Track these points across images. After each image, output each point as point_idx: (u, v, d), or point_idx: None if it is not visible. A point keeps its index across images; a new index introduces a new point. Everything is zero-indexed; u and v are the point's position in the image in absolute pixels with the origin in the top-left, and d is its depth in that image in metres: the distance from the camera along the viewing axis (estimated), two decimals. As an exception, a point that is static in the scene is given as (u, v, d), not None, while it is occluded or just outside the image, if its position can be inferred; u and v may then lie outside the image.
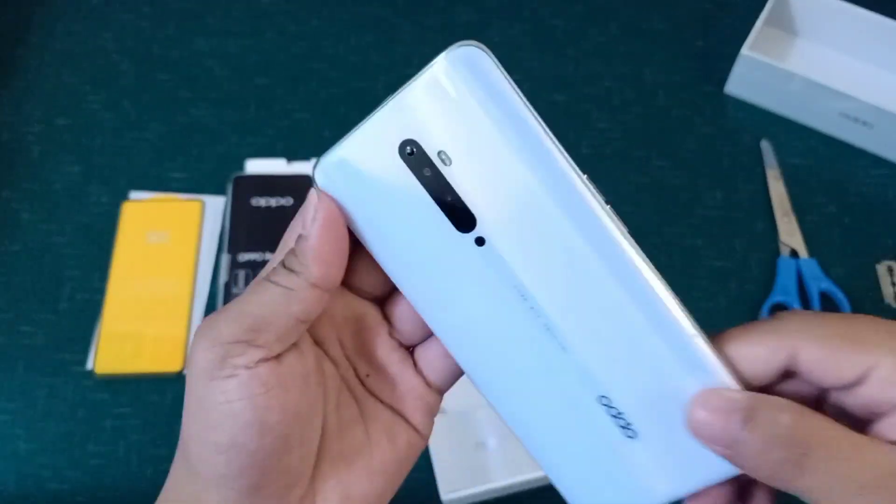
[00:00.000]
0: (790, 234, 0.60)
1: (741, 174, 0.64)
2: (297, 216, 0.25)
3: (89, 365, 0.55)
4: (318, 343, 0.27)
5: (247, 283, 0.56)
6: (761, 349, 0.23)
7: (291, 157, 0.64)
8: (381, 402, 0.28)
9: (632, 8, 0.73)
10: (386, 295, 0.28)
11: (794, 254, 0.59)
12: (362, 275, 0.27)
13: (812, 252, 0.59)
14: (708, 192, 0.63)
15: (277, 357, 0.24)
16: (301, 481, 0.25)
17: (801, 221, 0.61)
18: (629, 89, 0.68)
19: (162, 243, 0.59)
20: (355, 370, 0.28)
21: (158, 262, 0.58)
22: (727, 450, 0.22)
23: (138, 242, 0.59)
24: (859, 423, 0.23)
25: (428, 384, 0.28)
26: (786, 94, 0.64)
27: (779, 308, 0.57)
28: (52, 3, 0.72)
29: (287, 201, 0.60)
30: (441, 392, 0.28)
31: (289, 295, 0.24)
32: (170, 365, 0.55)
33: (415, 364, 0.28)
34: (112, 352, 0.55)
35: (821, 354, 0.22)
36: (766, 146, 0.65)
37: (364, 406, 0.27)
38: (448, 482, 0.48)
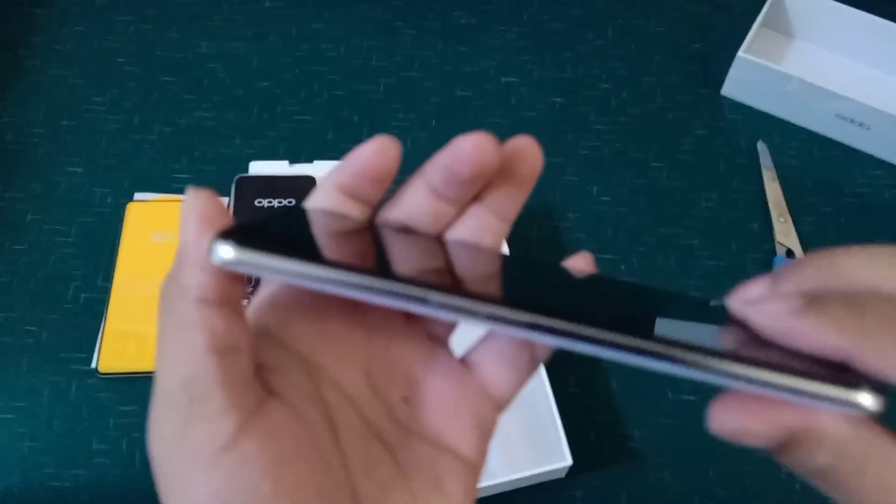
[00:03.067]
0: (786, 234, 0.61)
1: (737, 175, 0.64)
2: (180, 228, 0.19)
3: (93, 364, 0.55)
4: (333, 377, 0.21)
5: (249, 282, 0.57)
6: (817, 348, 0.18)
7: (294, 159, 0.64)
8: (421, 436, 0.22)
9: (629, 11, 0.74)
10: None
11: (790, 254, 0.60)
12: None
13: (808, 252, 0.60)
14: (704, 192, 0.64)
15: (254, 416, 0.18)
16: None
17: (797, 222, 0.62)
18: (626, 91, 0.69)
19: (166, 244, 0.60)
20: (385, 403, 0.22)
21: (162, 263, 0.59)
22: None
23: (142, 243, 0.60)
24: None
25: (487, 390, 0.23)
26: (782, 95, 0.65)
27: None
28: (56, 5, 0.73)
29: (290, 202, 0.61)
30: (500, 405, 0.23)
31: (182, 331, 0.18)
32: (173, 364, 0.55)
33: (471, 367, 0.23)
34: (116, 351, 0.55)
35: (880, 365, 0.18)
36: (762, 147, 0.65)
37: (400, 454, 0.21)
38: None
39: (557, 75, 0.70)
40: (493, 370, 0.23)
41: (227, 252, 0.18)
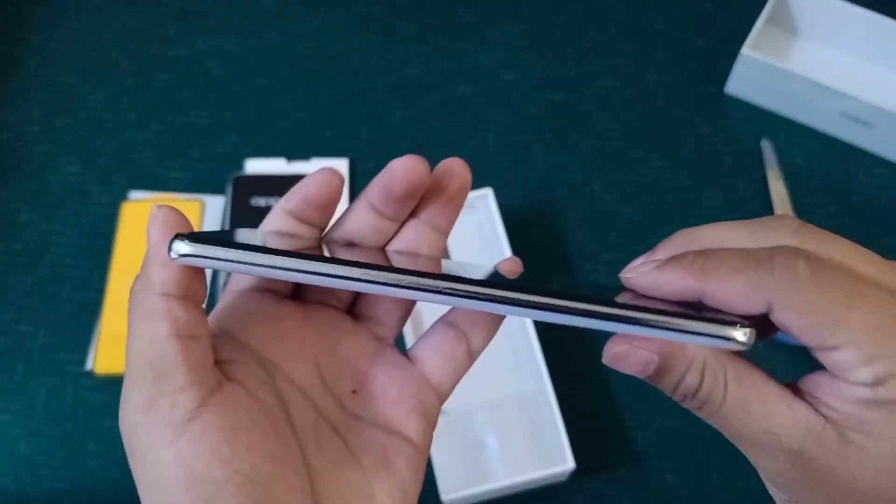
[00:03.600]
0: (791, 233, 0.60)
1: (741, 174, 0.64)
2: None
3: (89, 365, 0.55)
4: (286, 372, 0.24)
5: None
6: (739, 299, 0.22)
7: (291, 156, 0.64)
8: (370, 422, 0.25)
9: (632, 7, 0.73)
10: (353, 299, 0.27)
11: (794, 254, 0.59)
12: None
13: (813, 252, 0.59)
14: (708, 191, 0.63)
15: (214, 393, 0.21)
16: None
17: (802, 221, 0.61)
18: (629, 89, 0.68)
19: (161, 243, 0.59)
20: (335, 394, 0.25)
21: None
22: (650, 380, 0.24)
23: (138, 242, 0.59)
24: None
25: (429, 379, 0.26)
26: (786, 93, 0.64)
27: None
28: (51, 2, 0.72)
29: (287, 201, 0.60)
30: (441, 394, 0.26)
31: (153, 318, 0.21)
32: (169, 365, 0.55)
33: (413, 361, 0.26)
34: (112, 352, 0.55)
35: (793, 321, 0.21)
36: (766, 146, 0.65)
37: (350, 438, 0.24)
38: (448, 482, 0.48)
39: (559, 72, 0.69)
40: (433, 362, 0.26)
41: (183, 247, 0.21)
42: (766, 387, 0.22)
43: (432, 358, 0.26)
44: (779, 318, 0.22)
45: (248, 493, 0.20)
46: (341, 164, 0.63)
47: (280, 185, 0.61)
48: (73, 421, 0.53)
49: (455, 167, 0.27)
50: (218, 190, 0.62)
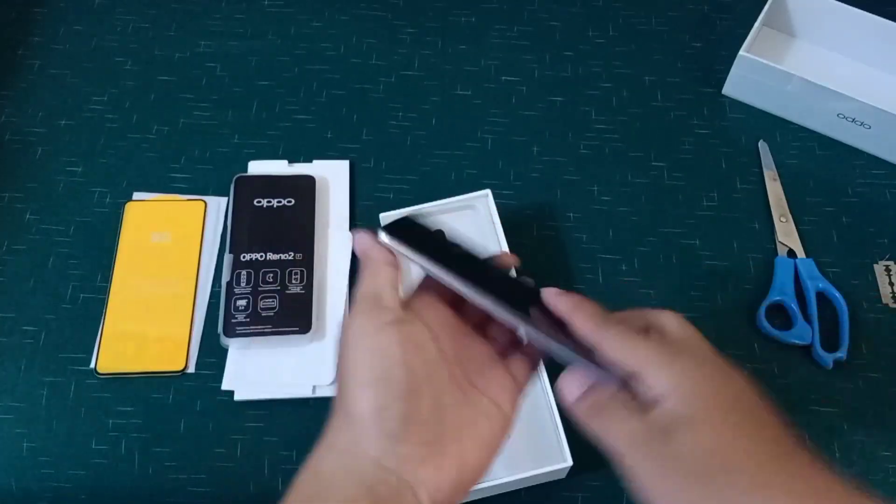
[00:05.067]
0: (787, 234, 0.61)
1: (739, 175, 0.64)
2: (357, 248, 0.37)
3: (92, 364, 0.55)
4: (442, 343, 0.34)
5: (248, 282, 0.56)
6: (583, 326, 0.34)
7: (293, 158, 0.64)
8: (483, 392, 0.34)
9: (630, 9, 0.73)
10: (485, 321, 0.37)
11: (791, 254, 0.60)
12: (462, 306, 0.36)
13: (809, 252, 0.60)
14: (706, 192, 0.63)
15: (404, 321, 0.33)
16: (431, 435, 0.31)
17: (799, 222, 0.62)
18: (627, 90, 0.69)
19: (165, 243, 0.60)
20: (461, 366, 0.34)
21: (161, 262, 0.59)
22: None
23: (141, 242, 0.60)
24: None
25: (515, 380, 0.35)
26: (783, 95, 0.65)
27: (776, 307, 0.58)
28: (54, 4, 0.73)
29: (289, 202, 0.60)
30: (523, 388, 0.36)
31: (376, 272, 0.34)
32: (172, 364, 0.55)
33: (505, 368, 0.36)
34: (115, 351, 0.55)
35: (607, 348, 0.33)
36: (763, 147, 0.65)
37: (466, 392, 0.33)
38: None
39: (558, 74, 0.69)
40: (519, 367, 0.37)
41: (383, 237, 0.36)
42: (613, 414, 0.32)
43: (516, 369, 0.37)
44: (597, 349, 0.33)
45: (409, 374, 0.31)
46: (342, 166, 0.64)
47: (282, 185, 0.61)
48: (76, 420, 0.54)
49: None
50: (220, 191, 0.62)
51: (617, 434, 0.32)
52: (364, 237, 0.36)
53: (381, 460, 0.30)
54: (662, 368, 0.31)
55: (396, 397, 0.31)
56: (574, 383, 0.34)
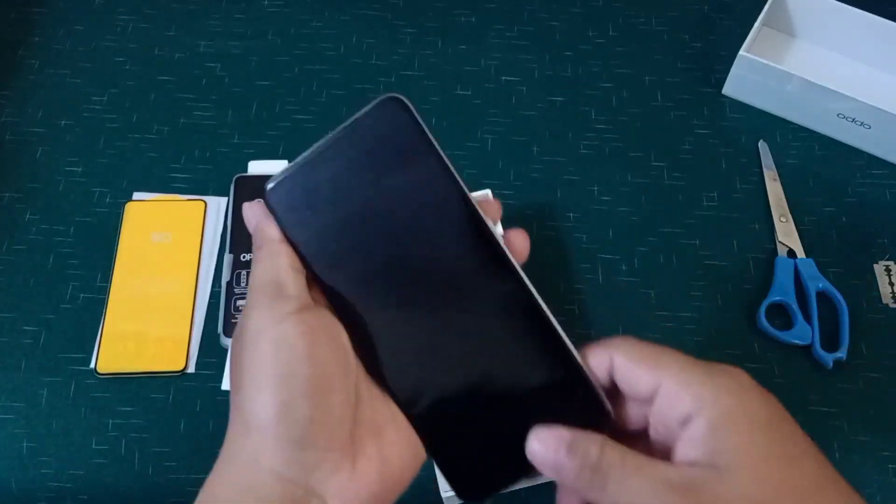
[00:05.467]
0: (787, 234, 0.61)
1: (739, 175, 0.64)
2: (246, 221, 0.32)
3: (92, 364, 0.55)
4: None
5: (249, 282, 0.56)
6: (594, 359, 0.30)
7: (293, 158, 0.64)
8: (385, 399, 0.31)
9: (630, 9, 0.73)
10: None
11: (791, 254, 0.60)
12: None
13: (810, 252, 0.60)
14: (705, 192, 0.63)
15: (308, 308, 0.29)
16: (344, 436, 0.28)
17: (799, 222, 0.62)
18: (627, 90, 0.69)
19: (165, 243, 0.60)
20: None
21: (161, 262, 0.59)
22: (554, 472, 0.28)
23: (141, 242, 0.60)
24: (666, 446, 0.28)
25: None
26: (783, 95, 0.65)
27: (776, 307, 0.58)
28: (54, 4, 0.73)
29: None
30: None
31: (275, 255, 0.30)
32: (172, 364, 0.55)
33: None
34: (115, 351, 0.55)
35: (625, 368, 0.29)
36: (763, 147, 0.65)
37: (371, 401, 0.30)
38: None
39: (558, 74, 0.69)
40: None
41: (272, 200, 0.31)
42: (651, 463, 0.27)
43: None
44: (615, 367, 0.29)
45: (316, 369, 0.28)
46: (342, 165, 0.63)
47: (281, 185, 0.61)
48: (76, 420, 0.54)
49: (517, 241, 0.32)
50: (220, 191, 0.62)
51: (636, 492, 0.26)
52: (255, 209, 0.31)
53: (285, 471, 0.26)
54: (692, 385, 0.27)
55: (301, 396, 0.27)
56: (550, 440, 0.28)
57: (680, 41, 0.72)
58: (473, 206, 0.30)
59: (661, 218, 0.62)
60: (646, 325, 0.57)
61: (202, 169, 0.64)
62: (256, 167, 0.63)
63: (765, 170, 0.64)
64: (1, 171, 0.63)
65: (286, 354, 0.28)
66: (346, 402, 0.28)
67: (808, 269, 0.59)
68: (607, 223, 0.62)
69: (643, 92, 0.68)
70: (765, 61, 0.64)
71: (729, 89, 0.68)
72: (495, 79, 0.69)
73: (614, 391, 0.30)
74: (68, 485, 0.52)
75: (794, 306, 0.57)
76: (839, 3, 0.67)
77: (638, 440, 0.29)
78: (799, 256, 0.60)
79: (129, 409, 0.54)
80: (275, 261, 0.30)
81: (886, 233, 0.61)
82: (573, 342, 0.30)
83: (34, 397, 0.54)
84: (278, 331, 0.28)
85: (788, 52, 0.70)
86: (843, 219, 0.62)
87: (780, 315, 0.58)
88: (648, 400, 0.28)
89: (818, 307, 0.57)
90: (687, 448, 0.26)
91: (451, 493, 0.48)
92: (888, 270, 0.60)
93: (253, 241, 0.32)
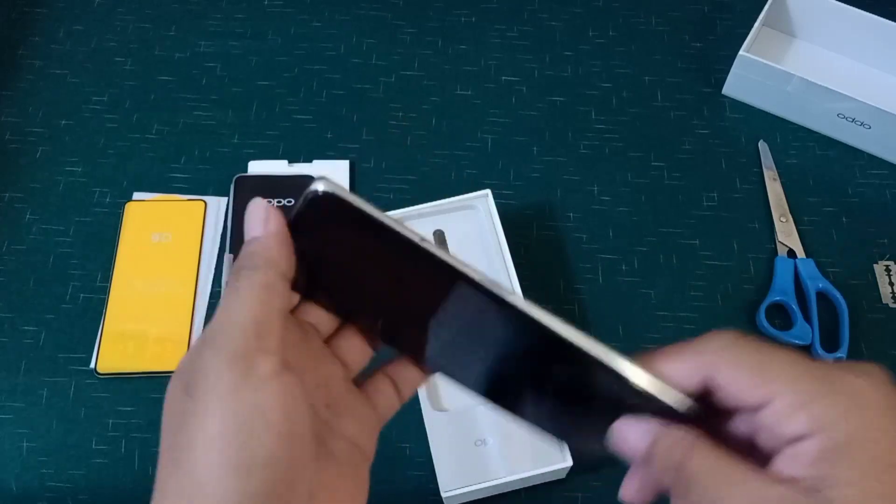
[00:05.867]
0: (787, 234, 0.61)
1: (738, 175, 0.64)
2: (248, 223, 0.26)
3: (92, 364, 0.55)
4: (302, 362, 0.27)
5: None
6: (683, 367, 0.26)
7: (293, 158, 0.64)
8: (339, 433, 0.27)
9: (630, 9, 0.73)
10: (330, 335, 0.30)
11: (791, 254, 0.60)
12: (312, 315, 0.29)
13: (809, 252, 0.60)
14: (705, 192, 0.63)
15: (287, 370, 0.24)
16: None
17: (799, 222, 0.62)
18: (627, 90, 0.69)
19: (165, 243, 0.60)
20: (315, 402, 0.27)
21: (161, 262, 0.59)
22: (640, 461, 0.26)
23: (141, 242, 0.60)
24: (764, 451, 0.25)
25: (376, 413, 0.29)
26: (783, 95, 0.65)
27: (776, 307, 0.58)
28: (54, 4, 0.73)
29: (289, 202, 0.60)
30: (385, 420, 0.30)
31: (270, 291, 0.24)
32: (172, 364, 0.55)
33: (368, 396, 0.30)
34: (115, 351, 0.55)
35: (730, 378, 0.24)
36: (763, 147, 0.65)
37: (325, 441, 0.26)
38: (448, 480, 0.48)
39: (558, 74, 0.69)
40: (380, 401, 0.30)
41: (321, 185, 0.25)
42: (742, 477, 0.24)
43: (379, 400, 0.30)
44: (718, 378, 0.25)
45: (285, 470, 0.23)
46: (342, 166, 0.64)
47: (282, 185, 0.61)
48: (76, 420, 0.54)
49: None
50: (220, 191, 0.62)
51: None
52: (271, 214, 0.26)
53: None
54: (810, 405, 0.23)
55: (264, 494, 0.22)
56: (637, 431, 0.26)
57: (680, 41, 0.72)
58: (439, 257, 0.26)
59: (661, 218, 0.62)
60: (646, 325, 0.57)
61: (202, 169, 0.64)
62: (256, 167, 0.63)
63: (765, 170, 0.64)
64: (1, 171, 0.63)
65: (258, 438, 0.22)
66: (302, 485, 0.24)
67: (808, 269, 0.59)
68: (607, 223, 0.62)
69: (643, 92, 0.68)
70: (765, 61, 0.64)
71: (729, 89, 0.68)
72: (495, 79, 0.69)
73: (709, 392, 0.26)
74: (68, 484, 0.52)
75: (794, 306, 0.57)
76: (839, 3, 0.67)
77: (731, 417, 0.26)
78: (799, 256, 0.60)
79: (129, 409, 0.54)
80: (269, 294, 0.24)
81: (886, 233, 0.61)
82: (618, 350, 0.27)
83: (34, 397, 0.54)
84: (252, 401, 0.22)
85: (788, 52, 0.70)
86: (843, 219, 0.62)
87: (780, 315, 0.58)
88: (752, 410, 0.24)
89: (818, 307, 0.57)
90: (791, 463, 0.23)
91: (451, 493, 0.48)
92: (888, 270, 0.60)
93: (242, 253, 0.25)
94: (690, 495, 0.24)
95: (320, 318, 0.29)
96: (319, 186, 0.25)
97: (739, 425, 0.26)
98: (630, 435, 0.26)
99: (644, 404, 0.26)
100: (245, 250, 0.25)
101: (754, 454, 0.25)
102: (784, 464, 0.23)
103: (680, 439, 0.25)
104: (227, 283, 0.25)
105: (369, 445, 0.28)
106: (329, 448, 0.26)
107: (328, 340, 0.29)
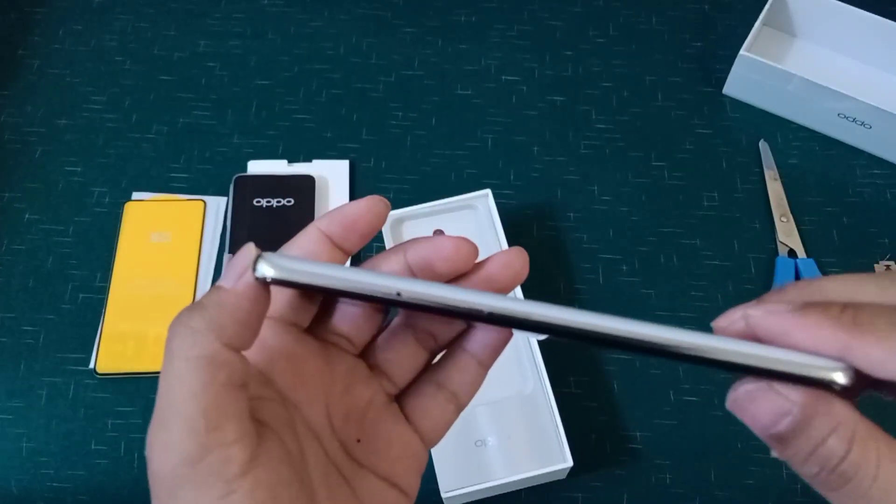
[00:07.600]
0: (788, 234, 0.61)
1: (739, 174, 0.64)
2: (225, 269, 0.23)
3: (91, 364, 0.55)
4: (303, 413, 0.24)
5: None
6: (815, 341, 0.20)
7: (292, 158, 0.64)
8: (372, 471, 0.25)
9: (630, 9, 0.73)
10: (367, 344, 0.26)
11: (792, 254, 0.60)
12: (341, 324, 0.25)
13: (810, 252, 0.60)
14: (706, 192, 0.63)
15: (259, 446, 0.20)
16: None
17: (800, 221, 0.61)
18: (628, 90, 0.68)
19: (164, 243, 0.60)
20: (341, 440, 0.25)
21: (160, 262, 0.59)
22: (774, 442, 0.20)
23: (141, 242, 0.60)
24: None
25: (422, 438, 0.26)
26: (784, 94, 0.65)
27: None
28: (53, 4, 0.73)
29: (288, 202, 0.60)
30: (433, 444, 0.27)
31: (212, 366, 0.20)
32: (172, 364, 0.55)
33: (407, 418, 0.26)
34: (114, 351, 0.55)
35: (876, 357, 0.19)
36: (763, 147, 0.65)
37: (355, 484, 0.24)
38: (448, 480, 0.48)
39: (558, 74, 0.69)
40: (427, 424, 0.26)
41: (268, 270, 0.21)
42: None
43: (426, 420, 0.26)
44: (860, 355, 0.20)
45: None
46: (342, 166, 0.63)
47: (282, 185, 0.61)
48: (75, 420, 0.54)
49: (516, 263, 0.24)
50: (220, 191, 0.62)
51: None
52: (245, 269, 0.21)
53: None
54: None
55: None
56: (772, 406, 0.20)
57: (680, 41, 0.71)
58: (426, 304, 0.22)
59: (662, 218, 0.62)
60: (646, 325, 0.57)
61: (201, 169, 0.64)
62: (256, 167, 0.63)
63: (765, 169, 0.64)
64: (1, 171, 0.63)
65: None
66: None
67: (809, 268, 0.59)
68: (607, 223, 0.62)
69: (643, 92, 0.68)
70: (765, 61, 0.63)
71: (729, 89, 0.68)
72: (495, 78, 0.69)
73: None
74: (68, 484, 0.52)
75: (795, 306, 0.57)
76: (839, 3, 0.67)
77: None
78: (800, 256, 0.60)
79: (128, 409, 0.54)
80: (211, 371, 0.20)
81: (887, 233, 0.61)
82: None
83: (34, 398, 0.54)
84: None
85: (789, 52, 0.70)
86: (844, 219, 0.62)
87: (781, 315, 0.58)
88: None
89: (819, 307, 0.57)
90: None
91: (452, 494, 0.48)
92: (888, 270, 0.60)
93: (199, 300, 0.21)
94: (847, 487, 0.19)
95: (355, 326, 0.25)
96: (261, 271, 0.21)
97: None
98: (761, 408, 0.20)
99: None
100: (203, 298, 0.21)
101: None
102: None
103: (840, 423, 0.19)
104: (170, 330, 0.21)
105: (412, 483, 0.25)
106: (357, 488, 0.23)
107: (367, 349, 0.26)
